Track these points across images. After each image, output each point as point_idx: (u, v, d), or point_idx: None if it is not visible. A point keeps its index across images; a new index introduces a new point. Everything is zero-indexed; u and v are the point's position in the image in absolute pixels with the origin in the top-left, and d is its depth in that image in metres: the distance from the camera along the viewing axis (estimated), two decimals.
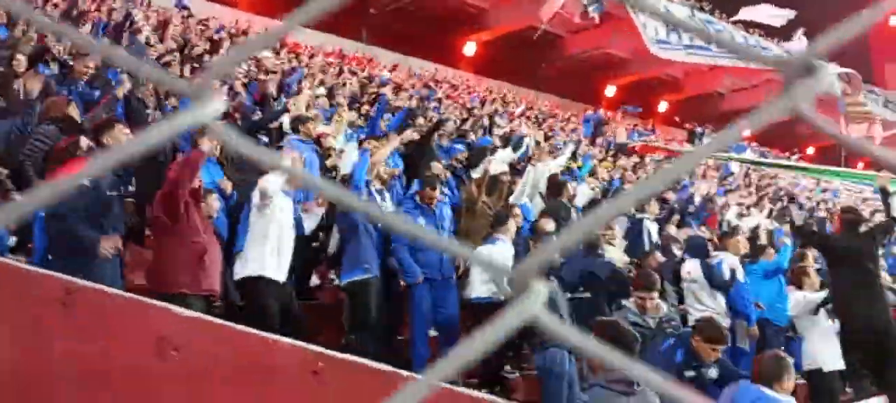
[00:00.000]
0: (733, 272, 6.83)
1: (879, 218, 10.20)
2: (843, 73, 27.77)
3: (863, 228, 6.40)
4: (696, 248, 7.30)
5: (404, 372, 3.07)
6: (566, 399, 5.36)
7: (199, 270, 4.67)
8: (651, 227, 8.57)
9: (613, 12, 25.93)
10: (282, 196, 5.34)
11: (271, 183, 5.16)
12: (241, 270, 5.23)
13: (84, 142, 4.93)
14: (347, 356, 3.38)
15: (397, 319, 6.46)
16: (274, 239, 5.22)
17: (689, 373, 4.78)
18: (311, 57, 16.69)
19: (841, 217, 6.51)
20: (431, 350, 6.06)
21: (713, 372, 4.83)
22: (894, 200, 6.25)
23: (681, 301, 6.93)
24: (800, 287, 7.02)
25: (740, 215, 10.83)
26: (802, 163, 20.24)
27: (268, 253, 5.18)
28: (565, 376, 5.34)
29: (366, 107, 10.97)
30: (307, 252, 6.31)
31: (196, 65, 9.79)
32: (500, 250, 6.14)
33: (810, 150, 31.87)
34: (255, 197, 5.30)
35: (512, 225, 6.43)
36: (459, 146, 10.25)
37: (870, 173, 14.90)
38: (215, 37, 13.30)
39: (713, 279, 6.76)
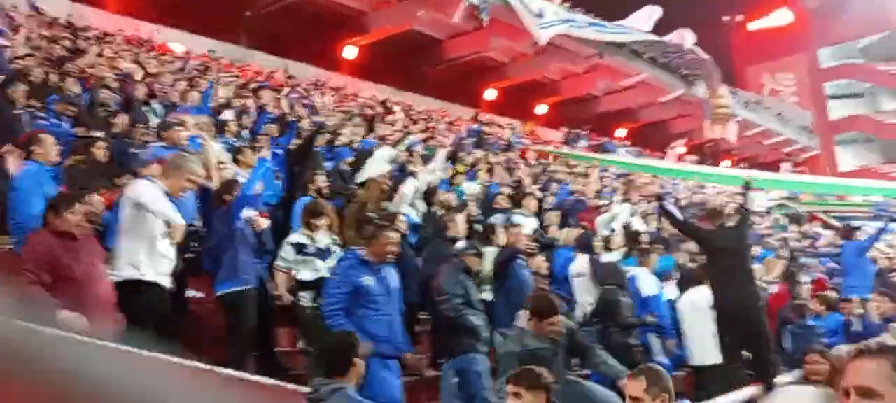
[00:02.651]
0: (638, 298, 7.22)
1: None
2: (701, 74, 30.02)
3: (730, 222, 6.98)
4: (585, 245, 7.88)
5: (290, 386, 3.00)
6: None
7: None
8: (525, 223, 8.44)
9: (493, 17, 26.46)
10: (159, 195, 4.85)
11: (145, 194, 4.75)
12: (118, 273, 4.63)
13: None
14: (230, 371, 3.27)
15: (270, 329, 6.06)
16: (150, 238, 4.71)
17: None
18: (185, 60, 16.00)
19: (708, 218, 7.07)
20: None
21: None
22: (751, 194, 6.92)
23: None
24: (700, 283, 7.22)
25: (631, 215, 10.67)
26: (676, 166, 21.26)
27: (144, 256, 4.68)
28: (483, 372, 5.56)
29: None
30: (182, 262, 5.80)
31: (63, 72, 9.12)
32: None
33: (682, 150, 33.54)
34: (129, 199, 4.78)
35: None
36: (345, 150, 10.17)
37: (736, 173, 15.93)
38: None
39: (597, 275, 7.13)
